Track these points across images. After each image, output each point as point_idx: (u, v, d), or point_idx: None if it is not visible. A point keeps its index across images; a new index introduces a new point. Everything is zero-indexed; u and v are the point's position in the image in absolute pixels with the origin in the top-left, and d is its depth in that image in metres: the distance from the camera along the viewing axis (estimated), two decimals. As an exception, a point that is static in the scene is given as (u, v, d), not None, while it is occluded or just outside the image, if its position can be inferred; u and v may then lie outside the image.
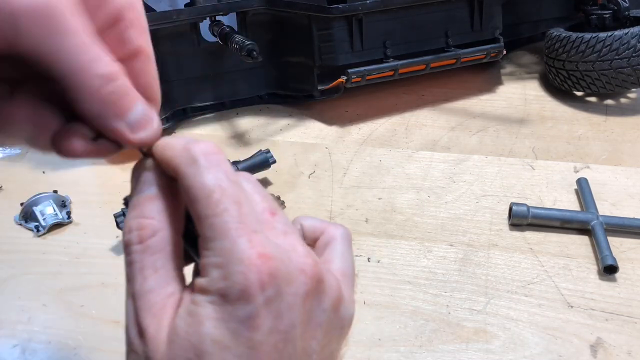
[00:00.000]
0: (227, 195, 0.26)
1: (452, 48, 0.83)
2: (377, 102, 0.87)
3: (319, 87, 0.83)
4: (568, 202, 0.66)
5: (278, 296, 0.25)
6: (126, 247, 0.27)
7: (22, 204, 0.66)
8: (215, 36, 0.78)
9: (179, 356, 0.25)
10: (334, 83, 0.81)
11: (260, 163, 0.68)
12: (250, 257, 0.25)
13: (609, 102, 0.86)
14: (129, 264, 0.27)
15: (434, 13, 0.82)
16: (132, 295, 0.26)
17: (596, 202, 0.64)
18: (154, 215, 0.27)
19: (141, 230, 0.27)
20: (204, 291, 0.25)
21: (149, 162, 0.28)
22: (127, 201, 0.29)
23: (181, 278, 0.27)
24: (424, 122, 0.83)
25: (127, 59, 0.27)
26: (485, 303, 0.54)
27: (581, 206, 0.65)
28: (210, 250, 0.25)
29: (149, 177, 0.28)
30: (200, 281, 0.25)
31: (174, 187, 0.28)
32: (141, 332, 0.25)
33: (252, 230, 0.25)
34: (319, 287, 0.27)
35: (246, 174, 0.29)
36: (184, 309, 0.25)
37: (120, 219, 0.59)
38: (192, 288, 0.26)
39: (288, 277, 0.25)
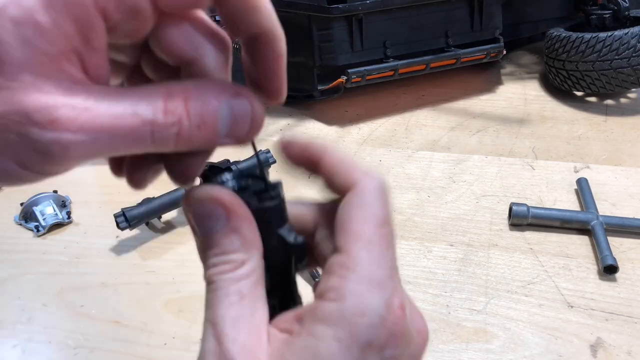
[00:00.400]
0: (392, 232, 0.25)
1: (452, 48, 0.83)
2: (377, 102, 0.87)
3: (319, 87, 0.83)
4: (568, 202, 0.66)
5: (400, 356, 0.23)
6: (210, 276, 0.25)
7: (22, 204, 0.66)
8: (215, 36, 0.78)
9: None
10: (334, 83, 0.81)
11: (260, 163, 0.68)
12: (393, 304, 0.23)
13: (609, 102, 0.86)
14: (213, 290, 0.24)
15: (434, 13, 0.82)
16: (214, 322, 0.24)
17: (596, 202, 0.64)
18: (235, 248, 0.25)
19: (226, 265, 0.25)
20: (330, 320, 0.22)
21: (198, 193, 0.26)
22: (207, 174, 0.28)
23: (266, 304, 0.25)
24: (424, 122, 0.83)
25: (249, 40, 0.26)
26: (485, 303, 0.54)
27: (581, 206, 0.65)
28: (355, 274, 0.23)
29: (210, 209, 0.25)
30: (329, 306, 0.22)
31: (241, 208, 0.26)
32: None
33: (396, 274, 0.24)
34: (425, 348, 0.25)
35: None
36: (302, 343, 0.22)
37: (120, 218, 0.59)
38: (309, 315, 0.23)
39: (409, 337, 0.24)
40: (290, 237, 0.27)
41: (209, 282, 0.25)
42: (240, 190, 0.27)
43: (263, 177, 0.28)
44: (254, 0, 0.25)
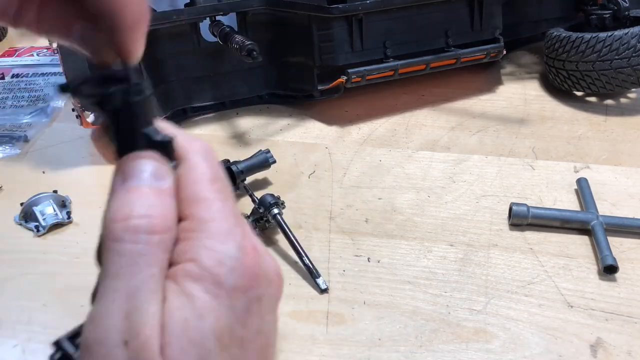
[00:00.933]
0: (226, 184, 0.26)
1: (452, 48, 0.83)
2: (377, 102, 0.87)
3: (319, 87, 0.83)
4: (568, 202, 0.66)
5: (263, 296, 0.24)
6: (133, 234, 0.22)
7: (22, 204, 0.66)
8: (215, 36, 0.78)
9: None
10: (334, 83, 0.81)
11: (260, 163, 0.68)
12: (246, 247, 0.24)
13: (609, 102, 0.86)
14: (135, 255, 0.22)
15: (434, 13, 0.82)
16: (128, 293, 0.22)
17: (596, 202, 0.64)
18: (167, 212, 0.24)
19: (153, 219, 0.23)
20: (193, 277, 0.22)
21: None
22: (66, 87, 0.25)
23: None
24: (424, 122, 0.83)
25: None
26: (485, 303, 0.54)
27: (581, 206, 0.65)
28: (202, 232, 0.23)
29: (164, 167, 0.25)
30: (188, 267, 0.23)
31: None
32: (133, 338, 0.21)
33: (242, 221, 0.25)
34: (281, 291, 0.26)
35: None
36: (176, 303, 0.22)
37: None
38: (171, 278, 0.23)
39: (269, 278, 0.25)
40: (157, 136, 0.26)
41: (129, 239, 0.22)
42: (104, 92, 0.25)
43: (127, 74, 0.26)
44: None
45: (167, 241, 0.23)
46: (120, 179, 0.24)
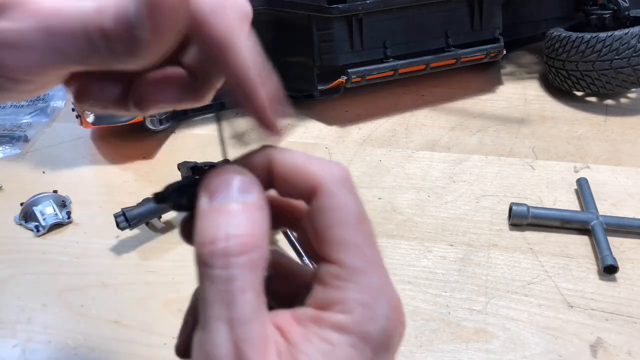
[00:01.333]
0: (371, 223, 0.24)
1: (452, 48, 0.83)
2: (377, 102, 0.87)
3: (319, 87, 0.83)
4: (568, 202, 0.66)
5: (398, 343, 0.24)
6: (221, 257, 0.22)
7: (22, 204, 0.66)
8: (215, 36, 0.78)
9: None
10: (334, 83, 0.81)
11: (260, 163, 0.68)
12: (397, 300, 0.23)
13: (609, 102, 0.86)
14: (227, 281, 0.21)
15: (434, 13, 0.82)
16: (231, 322, 0.21)
17: (596, 202, 0.64)
18: (255, 228, 0.23)
19: (243, 239, 0.22)
20: (343, 330, 0.22)
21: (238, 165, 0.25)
22: (159, 197, 0.26)
23: (267, 306, 0.23)
24: (424, 122, 0.83)
25: None
26: (485, 303, 0.54)
27: (581, 206, 0.65)
28: (355, 284, 0.23)
29: (249, 179, 0.24)
30: (339, 318, 0.22)
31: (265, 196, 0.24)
32: None
33: (383, 262, 0.24)
34: None
35: None
36: (315, 347, 0.22)
37: (120, 218, 0.59)
38: (314, 321, 0.23)
39: (404, 325, 0.25)
40: None
41: (221, 264, 0.22)
42: None
43: None
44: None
45: (257, 260, 0.22)
46: (206, 197, 0.23)
